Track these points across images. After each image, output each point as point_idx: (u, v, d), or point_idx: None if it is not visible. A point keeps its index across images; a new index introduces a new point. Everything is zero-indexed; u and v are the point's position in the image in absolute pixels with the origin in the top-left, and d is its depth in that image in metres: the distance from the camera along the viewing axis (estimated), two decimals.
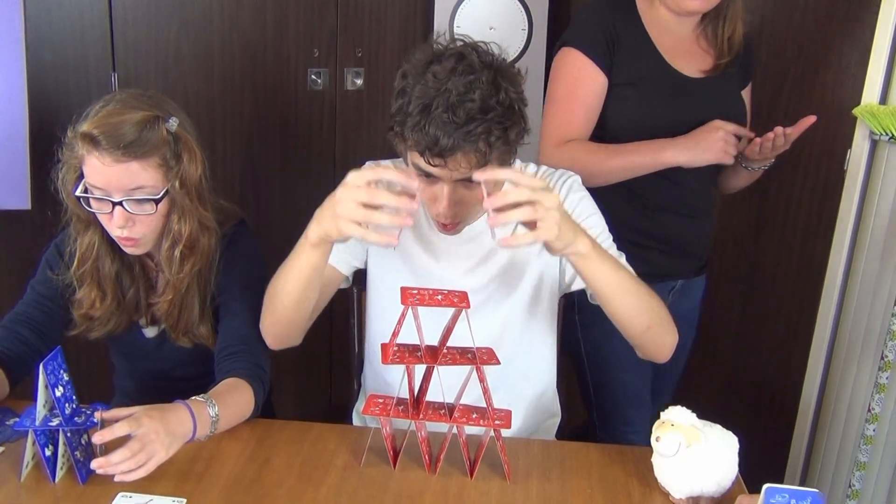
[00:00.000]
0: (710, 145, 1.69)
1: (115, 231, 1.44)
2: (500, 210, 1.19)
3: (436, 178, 1.32)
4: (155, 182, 1.42)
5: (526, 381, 1.59)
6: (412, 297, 1.24)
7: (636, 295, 1.37)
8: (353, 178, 1.22)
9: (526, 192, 1.19)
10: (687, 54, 1.80)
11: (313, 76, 2.54)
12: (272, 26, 2.47)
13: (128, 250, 1.48)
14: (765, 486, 1.05)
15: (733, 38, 1.79)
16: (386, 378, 1.59)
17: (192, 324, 1.54)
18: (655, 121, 1.75)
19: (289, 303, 1.38)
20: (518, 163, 1.49)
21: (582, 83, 1.76)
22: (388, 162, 1.52)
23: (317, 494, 1.26)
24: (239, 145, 2.55)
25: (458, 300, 1.25)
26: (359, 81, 2.60)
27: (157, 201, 1.43)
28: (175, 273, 1.49)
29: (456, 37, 1.34)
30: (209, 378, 1.46)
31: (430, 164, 1.28)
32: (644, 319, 1.39)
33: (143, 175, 1.40)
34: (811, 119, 1.71)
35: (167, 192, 1.43)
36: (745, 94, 1.90)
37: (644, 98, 1.76)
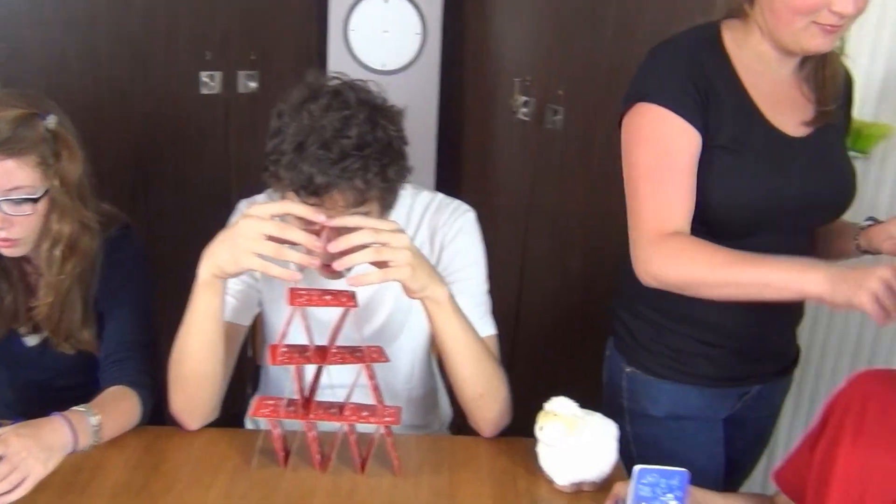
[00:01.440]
0: (858, 286, 1.17)
1: None
2: (343, 253, 1.20)
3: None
4: (33, 181, 1.38)
5: (409, 381, 1.61)
6: (300, 298, 1.25)
7: (478, 360, 1.38)
8: (258, 210, 1.22)
9: (368, 234, 1.21)
10: (788, 104, 1.43)
11: (205, 79, 2.51)
12: (162, 28, 2.43)
13: (5, 252, 1.43)
14: (635, 468, 1.10)
15: (836, 78, 1.44)
16: (280, 382, 1.59)
17: (74, 328, 1.51)
18: (761, 196, 1.38)
19: (195, 363, 1.34)
20: (408, 187, 1.50)
21: (673, 149, 1.35)
22: (262, 197, 1.52)
23: (206, 498, 1.26)
24: (127, 149, 2.49)
25: (346, 300, 1.27)
26: (253, 84, 2.58)
27: (35, 201, 1.39)
28: (55, 274, 1.45)
29: (333, 74, 1.33)
30: (93, 388, 1.43)
31: (306, 203, 1.25)
32: (479, 387, 1.40)
33: (19, 174, 1.36)
34: None
35: (47, 191, 1.40)
36: None
37: (745, 167, 1.38)
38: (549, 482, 1.33)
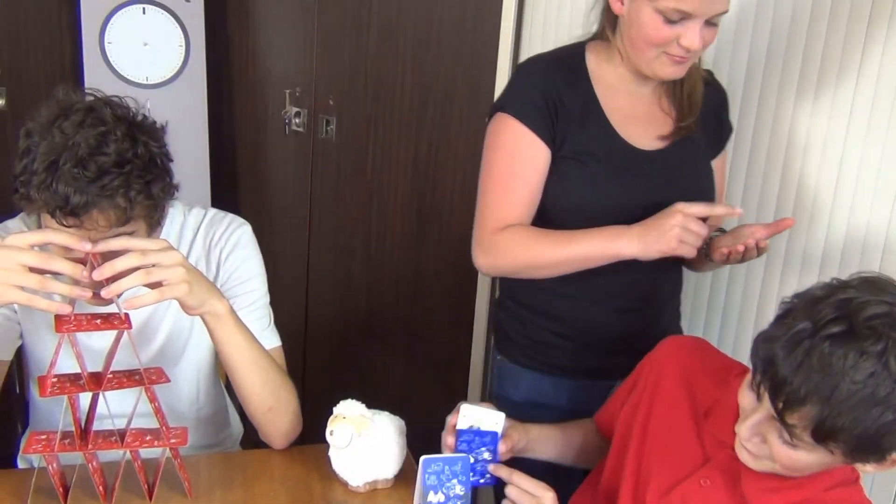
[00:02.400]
0: (661, 234, 1.38)
1: None
2: (110, 280, 1.16)
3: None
4: None
5: (196, 402, 1.58)
6: (67, 324, 1.19)
7: (264, 372, 1.37)
8: (15, 240, 1.14)
9: (136, 256, 1.17)
10: (644, 120, 1.54)
11: None
12: None
13: None
14: (422, 458, 1.16)
15: (693, 95, 1.53)
16: (51, 416, 1.50)
17: None
18: (603, 203, 1.49)
19: None
20: (178, 205, 1.47)
21: (520, 157, 1.49)
22: (14, 222, 1.43)
23: None
24: None
25: (118, 322, 1.22)
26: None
27: None
28: None
29: (86, 91, 1.27)
30: None
31: (64, 224, 1.18)
32: (267, 400, 1.39)
33: None
34: (789, 222, 1.43)
35: None
36: (718, 163, 1.62)
37: (589, 176, 1.49)
38: (344, 484, 1.36)
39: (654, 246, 1.39)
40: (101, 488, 1.27)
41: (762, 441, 1.06)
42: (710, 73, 1.62)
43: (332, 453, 1.35)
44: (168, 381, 1.28)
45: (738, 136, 1.72)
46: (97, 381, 1.24)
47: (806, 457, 1.02)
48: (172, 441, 1.28)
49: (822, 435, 0.97)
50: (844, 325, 0.95)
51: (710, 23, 1.39)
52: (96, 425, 1.25)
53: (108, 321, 1.22)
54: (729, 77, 1.75)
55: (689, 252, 1.39)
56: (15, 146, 1.23)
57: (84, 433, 1.26)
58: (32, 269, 1.13)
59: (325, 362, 2.74)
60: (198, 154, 2.63)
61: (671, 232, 1.37)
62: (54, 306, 1.15)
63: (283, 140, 2.66)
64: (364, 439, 1.31)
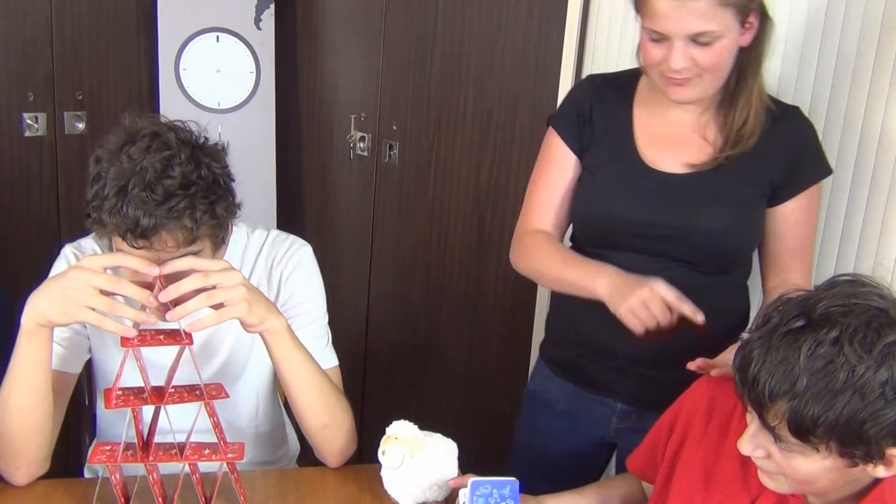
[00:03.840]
0: (624, 297, 1.35)
1: None
2: (178, 303, 1.20)
3: None
4: None
5: (255, 419, 1.61)
6: (133, 339, 1.24)
7: (320, 390, 1.39)
8: (90, 262, 1.19)
9: (199, 278, 1.21)
10: (675, 144, 1.52)
11: (29, 120, 2.42)
12: None
13: None
14: (469, 480, 1.17)
15: (745, 128, 1.46)
16: (115, 428, 1.55)
17: None
18: (604, 215, 1.53)
19: (22, 416, 1.28)
20: (242, 226, 1.52)
21: (550, 164, 1.59)
22: (87, 241, 1.50)
23: None
24: None
25: (181, 338, 1.26)
26: (80, 125, 2.52)
27: None
28: None
29: (150, 117, 1.32)
30: None
31: (134, 246, 1.23)
32: (323, 417, 1.41)
33: None
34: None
35: None
36: (792, 206, 1.49)
37: (594, 187, 1.54)
38: None
39: (615, 302, 1.37)
40: (160, 499, 1.31)
41: (767, 456, 1.05)
42: (791, 108, 1.52)
43: (384, 473, 1.37)
44: (227, 396, 1.32)
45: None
46: (159, 395, 1.28)
47: (805, 463, 1.01)
48: (230, 456, 1.31)
49: (799, 430, 0.97)
50: (803, 319, 0.98)
51: (699, 42, 1.36)
52: (157, 438, 1.30)
53: (172, 337, 1.26)
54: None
55: (635, 326, 1.34)
56: None
57: (146, 445, 1.30)
58: (103, 292, 1.18)
59: (383, 383, 2.77)
60: (265, 176, 2.71)
61: (631, 300, 1.34)
62: (121, 329, 1.20)
63: (347, 164, 2.72)
64: (416, 460, 1.33)
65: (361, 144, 2.65)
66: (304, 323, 1.49)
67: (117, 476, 1.31)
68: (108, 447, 1.30)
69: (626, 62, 1.95)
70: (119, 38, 2.55)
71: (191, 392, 1.30)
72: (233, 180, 1.34)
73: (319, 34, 2.73)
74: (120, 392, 1.27)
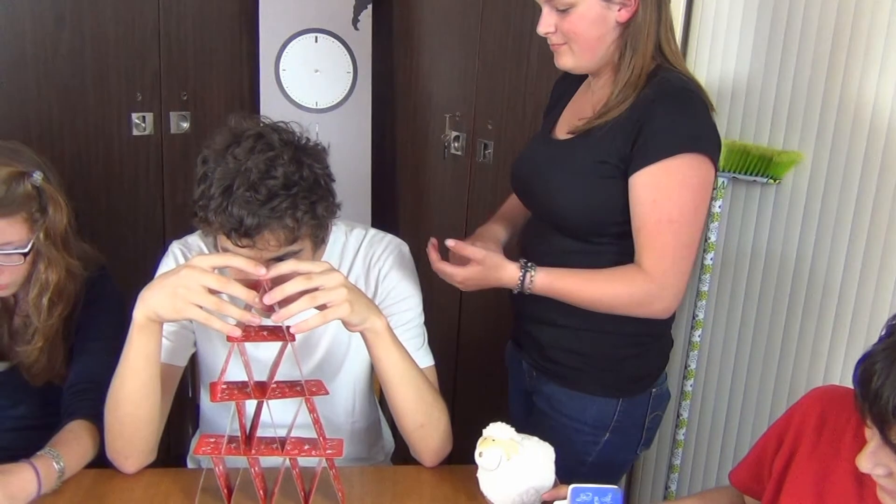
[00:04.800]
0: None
1: None
2: (282, 304, 1.22)
3: None
4: (21, 236, 1.42)
5: (351, 415, 1.62)
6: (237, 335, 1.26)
7: (417, 389, 1.40)
8: (200, 261, 1.23)
9: (301, 281, 1.23)
10: (574, 113, 1.63)
11: (136, 120, 2.51)
12: (91, 69, 2.43)
13: None
14: (570, 486, 1.15)
15: (610, 99, 1.51)
16: (218, 420, 1.59)
17: (56, 366, 1.53)
18: (512, 180, 1.73)
19: (132, 407, 1.33)
20: (341, 226, 1.54)
21: None
22: (193, 238, 1.54)
23: None
24: None
25: (283, 334, 1.28)
26: (185, 125, 2.59)
27: (24, 255, 1.43)
28: (44, 321, 1.48)
29: (254, 118, 1.35)
30: (51, 416, 1.46)
31: (238, 245, 1.27)
32: (420, 416, 1.42)
33: (9, 231, 1.40)
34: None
35: (33, 244, 1.43)
36: (633, 186, 1.47)
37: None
38: None
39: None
40: (261, 492, 1.34)
41: (888, 474, 0.98)
42: (661, 81, 1.48)
43: (480, 475, 1.36)
44: (327, 393, 1.34)
45: None
46: (262, 390, 1.31)
47: None
48: (329, 451, 1.32)
49: None
50: None
51: (559, 10, 1.47)
52: (259, 432, 1.32)
53: (274, 333, 1.28)
54: None
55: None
56: None
57: (249, 439, 1.33)
58: (211, 291, 1.21)
59: (475, 384, 2.76)
60: (361, 175, 2.74)
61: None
62: (227, 328, 1.23)
63: (441, 163, 2.72)
64: (513, 463, 1.31)
65: (456, 144, 2.65)
66: (401, 322, 1.50)
67: (221, 468, 1.34)
68: (212, 439, 1.33)
69: (731, 64, 1.89)
70: (222, 39, 2.63)
71: (292, 388, 1.32)
72: (333, 181, 1.35)
73: (416, 34, 2.74)
74: (225, 386, 1.30)
